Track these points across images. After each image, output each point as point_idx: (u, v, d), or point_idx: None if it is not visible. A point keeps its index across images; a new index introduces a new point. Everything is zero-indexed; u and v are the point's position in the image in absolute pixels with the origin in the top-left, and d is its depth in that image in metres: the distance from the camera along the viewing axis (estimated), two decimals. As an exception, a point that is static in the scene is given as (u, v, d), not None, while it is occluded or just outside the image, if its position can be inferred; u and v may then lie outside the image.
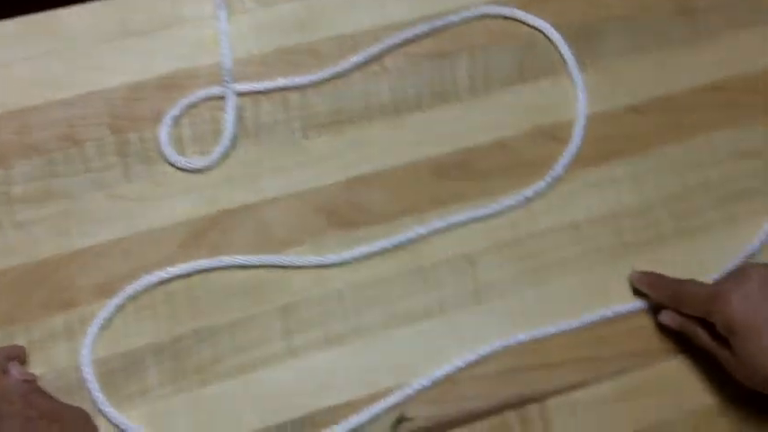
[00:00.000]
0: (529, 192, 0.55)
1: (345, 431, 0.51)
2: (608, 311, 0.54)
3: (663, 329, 0.54)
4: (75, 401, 0.49)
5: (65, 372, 0.50)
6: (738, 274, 0.49)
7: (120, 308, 0.51)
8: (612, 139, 0.57)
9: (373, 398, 0.51)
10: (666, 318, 0.53)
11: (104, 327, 0.51)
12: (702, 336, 0.50)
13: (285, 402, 0.51)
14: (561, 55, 0.58)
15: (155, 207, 0.53)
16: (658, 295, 0.53)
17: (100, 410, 0.49)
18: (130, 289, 0.51)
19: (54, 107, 0.54)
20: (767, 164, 0.58)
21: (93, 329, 0.50)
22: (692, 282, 0.53)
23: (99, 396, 0.50)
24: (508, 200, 0.55)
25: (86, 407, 0.49)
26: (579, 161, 0.57)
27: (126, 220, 0.52)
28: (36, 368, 0.50)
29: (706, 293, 0.49)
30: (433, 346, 0.53)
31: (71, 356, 0.50)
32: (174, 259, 0.52)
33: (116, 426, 0.49)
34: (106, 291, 0.51)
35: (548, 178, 0.56)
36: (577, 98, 0.58)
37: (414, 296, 0.53)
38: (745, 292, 0.47)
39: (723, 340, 0.49)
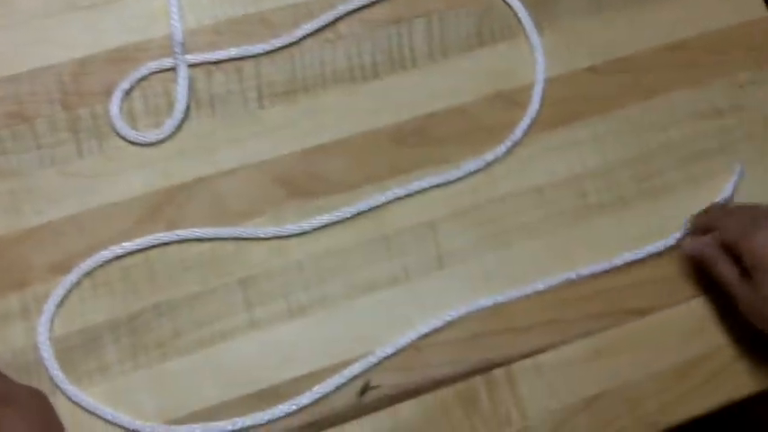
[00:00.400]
0: (489, 156, 0.55)
1: (310, 401, 0.50)
2: (572, 274, 0.54)
3: (628, 290, 0.54)
4: (33, 380, 0.48)
5: (22, 351, 0.49)
6: None
7: (75, 285, 0.50)
8: (572, 102, 0.57)
9: (337, 368, 0.51)
10: (688, 245, 0.53)
11: (61, 304, 0.50)
12: (723, 265, 0.50)
13: (248, 375, 0.50)
14: (519, 18, 0.58)
15: (108, 182, 0.52)
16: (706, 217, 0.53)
17: (59, 388, 0.49)
18: (85, 266, 0.50)
19: (1, 84, 0.52)
20: (727, 124, 0.58)
21: (49, 307, 0.49)
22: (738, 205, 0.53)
23: (57, 374, 0.49)
24: (468, 165, 0.55)
25: (45, 385, 0.48)
26: (539, 124, 0.56)
27: (79, 196, 0.51)
28: (-8, 349, 0.49)
29: (746, 217, 0.49)
30: (396, 313, 0.52)
31: (28, 335, 0.49)
32: (130, 235, 0.51)
33: (76, 403, 0.49)
34: (61, 268, 0.50)
35: (507, 143, 0.55)
36: (536, 61, 0.57)
37: (375, 264, 0.53)
38: None
39: (746, 274, 0.48)
